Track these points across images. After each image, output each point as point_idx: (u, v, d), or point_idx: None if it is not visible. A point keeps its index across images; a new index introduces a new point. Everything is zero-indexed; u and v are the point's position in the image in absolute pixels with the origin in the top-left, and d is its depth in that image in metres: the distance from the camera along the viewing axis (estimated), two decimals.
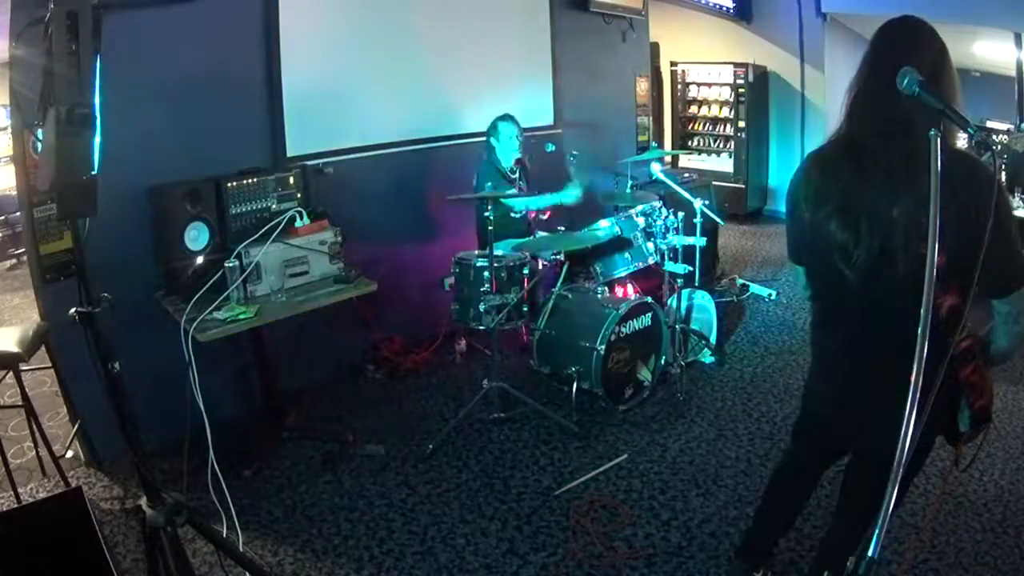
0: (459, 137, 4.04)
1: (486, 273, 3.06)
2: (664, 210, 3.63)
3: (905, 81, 1.16)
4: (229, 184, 2.87)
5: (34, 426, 2.73)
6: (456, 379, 3.65)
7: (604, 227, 3.58)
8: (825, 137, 1.53)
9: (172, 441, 2.57)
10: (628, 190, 4.17)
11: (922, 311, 0.97)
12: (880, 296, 1.40)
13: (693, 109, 7.23)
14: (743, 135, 6.64)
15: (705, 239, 3.58)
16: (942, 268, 1.10)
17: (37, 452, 2.86)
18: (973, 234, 1.14)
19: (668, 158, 6.83)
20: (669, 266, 3.57)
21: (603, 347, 3.06)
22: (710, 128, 7.07)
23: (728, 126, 6.83)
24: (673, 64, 7.22)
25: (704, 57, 7.00)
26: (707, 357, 3.75)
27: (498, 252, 3.14)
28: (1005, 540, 2.34)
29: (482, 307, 3.05)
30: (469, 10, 4.02)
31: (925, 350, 0.94)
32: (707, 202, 3.63)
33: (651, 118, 5.57)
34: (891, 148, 1.35)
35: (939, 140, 1.05)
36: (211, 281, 2.56)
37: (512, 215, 3.64)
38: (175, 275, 2.75)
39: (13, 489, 2.64)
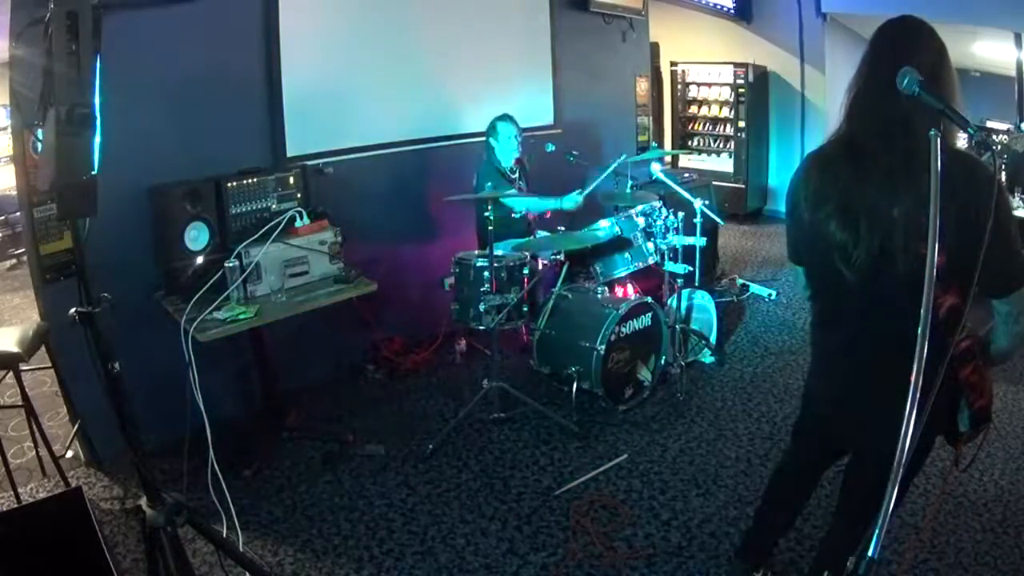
0: (459, 137, 4.04)
1: (486, 273, 3.06)
2: (664, 210, 3.63)
3: (905, 81, 1.16)
4: (229, 184, 2.88)
5: (34, 426, 2.73)
6: (456, 379, 3.65)
7: (604, 227, 3.58)
8: (825, 137, 1.53)
9: (172, 441, 2.57)
10: (628, 190, 4.17)
11: (922, 311, 0.96)
12: (880, 296, 1.40)
13: (693, 109, 7.22)
14: (743, 135, 6.63)
15: (705, 239, 3.58)
16: (942, 268, 1.10)
17: (37, 452, 2.86)
18: (973, 234, 1.14)
19: (668, 158, 6.83)
20: (669, 266, 3.57)
21: (603, 347, 3.06)
22: (710, 128, 7.07)
23: (728, 126, 6.83)
24: (673, 64, 7.21)
25: (704, 57, 6.99)
26: (707, 357, 3.75)
27: (498, 252, 3.14)
28: (1005, 540, 2.34)
29: (482, 307, 3.05)
30: (469, 10, 4.01)
31: (925, 350, 0.94)
32: (707, 202, 3.63)
33: (651, 118, 5.56)
34: (891, 148, 1.34)
35: (939, 140, 1.05)
36: (211, 281, 2.56)
37: (512, 215, 3.64)
38: (175, 275, 2.75)
39: (13, 489, 2.64)
